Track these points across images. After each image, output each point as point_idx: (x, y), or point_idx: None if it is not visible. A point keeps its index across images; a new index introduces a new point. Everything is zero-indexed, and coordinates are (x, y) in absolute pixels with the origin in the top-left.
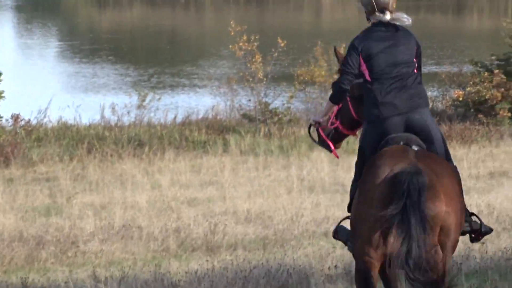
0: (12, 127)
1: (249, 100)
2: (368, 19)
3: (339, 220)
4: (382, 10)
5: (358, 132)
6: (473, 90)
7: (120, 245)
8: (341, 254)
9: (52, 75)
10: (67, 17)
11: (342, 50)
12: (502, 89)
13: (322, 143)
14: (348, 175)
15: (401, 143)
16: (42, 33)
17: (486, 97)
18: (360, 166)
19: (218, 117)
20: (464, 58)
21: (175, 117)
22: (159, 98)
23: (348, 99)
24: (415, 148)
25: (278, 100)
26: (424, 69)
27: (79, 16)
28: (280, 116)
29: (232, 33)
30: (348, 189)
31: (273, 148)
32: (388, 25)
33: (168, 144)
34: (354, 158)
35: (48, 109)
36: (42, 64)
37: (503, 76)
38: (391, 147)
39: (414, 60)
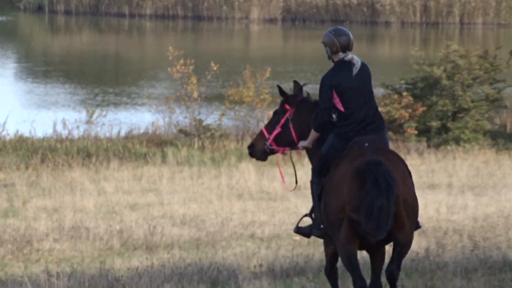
0: None
1: (185, 117)
2: (329, 57)
3: (299, 219)
4: (344, 50)
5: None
6: (384, 110)
7: (70, 244)
8: (265, 254)
9: (9, 93)
10: (23, 42)
11: (268, 74)
12: (410, 110)
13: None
14: (272, 184)
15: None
16: (8, 56)
17: (396, 116)
18: (320, 169)
19: (158, 132)
20: (376, 82)
21: (119, 132)
22: (105, 115)
23: (291, 127)
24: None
25: (210, 117)
26: None
27: (33, 41)
28: (212, 131)
29: (170, 57)
30: (272, 196)
31: (206, 160)
32: (349, 62)
33: (113, 155)
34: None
35: (6, 123)
36: (6, 81)
37: (410, 98)
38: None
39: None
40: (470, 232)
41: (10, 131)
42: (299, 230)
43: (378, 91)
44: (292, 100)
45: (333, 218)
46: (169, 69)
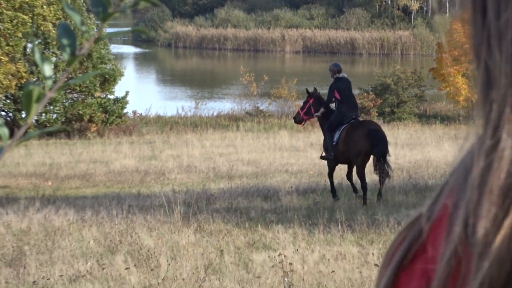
0: (132, 116)
1: (249, 105)
2: (332, 76)
3: (321, 154)
4: (340, 72)
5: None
6: (359, 102)
7: (186, 175)
8: (294, 181)
9: (152, 91)
10: (159, 63)
11: (295, 81)
12: (373, 102)
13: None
14: (297, 142)
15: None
16: (151, 71)
17: (365, 105)
18: (330, 128)
19: (234, 113)
20: (354, 87)
21: (212, 113)
22: (205, 103)
23: (312, 108)
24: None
25: (263, 105)
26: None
27: (164, 63)
28: (264, 113)
29: (241, 72)
30: (298, 149)
31: (260, 129)
32: (342, 78)
33: (209, 126)
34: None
35: (150, 108)
36: (150, 85)
37: (373, 95)
38: (358, 120)
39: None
40: (407, 169)
41: (152, 112)
42: (322, 157)
43: (356, 91)
44: (312, 95)
45: (355, 154)
46: (241, 78)
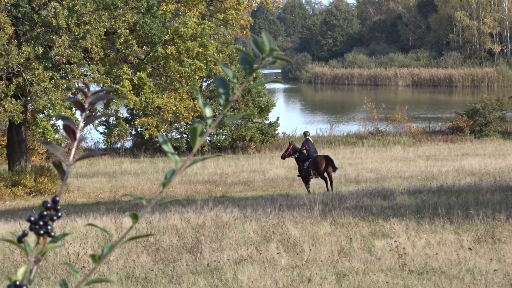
0: (282, 136)
1: (371, 126)
2: (304, 137)
3: (297, 174)
4: (308, 135)
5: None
6: (455, 123)
7: (323, 181)
8: (406, 184)
9: (296, 116)
10: (302, 95)
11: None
12: (466, 122)
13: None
14: (409, 154)
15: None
16: (296, 101)
17: (460, 125)
18: (303, 164)
19: (360, 133)
20: (452, 111)
21: (343, 133)
22: (337, 126)
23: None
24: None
25: (382, 126)
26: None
27: (306, 95)
28: (382, 133)
29: (365, 101)
30: (408, 159)
31: (379, 144)
32: (309, 139)
33: (341, 142)
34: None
35: (296, 129)
36: (295, 112)
37: (466, 117)
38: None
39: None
40: (493, 174)
41: (297, 133)
42: (298, 175)
43: (452, 115)
44: (291, 143)
45: (318, 169)
46: (364, 106)
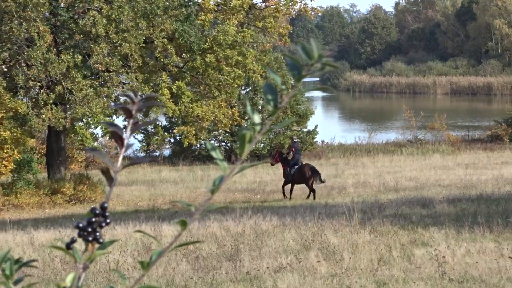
0: (321, 144)
1: (410, 134)
2: (291, 140)
3: (283, 183)
4: (293, 139)
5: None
6: (494, 131)
7: (362, 189)
8: (445, 192)
9: (335, 124)
10: (340, 103)
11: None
12: (505, 131)
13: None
14: (448, 162)
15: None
16: (334, 110)
17: (499, 133)
18: (290, 169)
19: (398, 141)
20: (491, 119)
21: (381, 141)
22: (376, 134)
23: (278, 157)
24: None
25: (420, 134)
26: (479, 123)
27: (345, 102)
28: (421, 141)
29: (404, 109)
30: (447, 167)
31: (418, 152)
32: (296, 141)
33: (380, 151)
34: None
35: (334, 138)
36: (334, 120)
37: (506, 125)
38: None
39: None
40: None
41: (336, 141)
42: (284, 184)
43: (491, 123)
44: (277, 150)
45: (304, 179)
46: (403, 114)
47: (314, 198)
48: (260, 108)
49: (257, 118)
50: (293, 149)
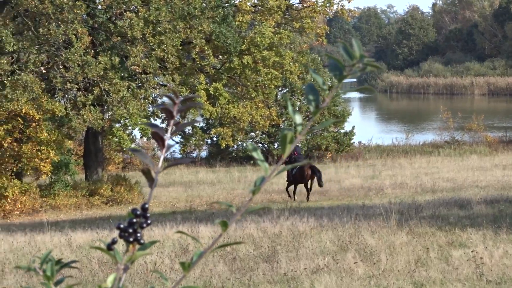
0: (358, 145)
1: (447, 135)
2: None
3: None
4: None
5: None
6: None
7: (398, 190)
8: (482, 193)
9: (372, 125)
10: (377, 104)
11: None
12: None
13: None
14: (485, 163)
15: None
16: (371, 111)
17: None
18: (290, 170)
19: (435, 142)
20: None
21: (419, 142)
22: (413, 135)
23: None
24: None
25: (458, 135)
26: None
27: (382, 103)
28: (459, 142)
29: (441, 110)
30: (484, 170)
31: (455, 153)
32: (297, 145)
33: (417, 152)
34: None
35: (372, 139)
36: (371, 121)
37: None
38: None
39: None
40: None
41: (373, 142)
42: (287, 183)
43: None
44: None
45: (303, 178)
46: (440, 115)
47: (308, 199)
48: (297, 109)
49: (298, 119)
50: (296, 153)
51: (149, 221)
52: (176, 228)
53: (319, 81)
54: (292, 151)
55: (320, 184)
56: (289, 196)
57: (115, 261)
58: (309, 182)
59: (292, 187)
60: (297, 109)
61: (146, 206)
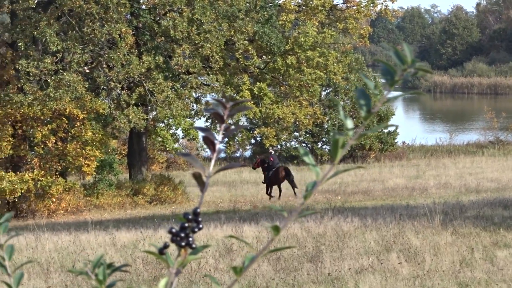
0: (402, 145)
1: (491, 135)
2: (270, 151)
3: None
4: (270, 149)
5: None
6: None
7: (443, 190)
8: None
9: (416, 126)
10: (421, 103)
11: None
12: None
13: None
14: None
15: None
16: (415, 110)
17: None
18: (268, 174)
19: (480, 142)
20: None
21: (463, 142)
22: (457, 135)
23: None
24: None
25: (502, 135)
26: None
27: (425, 103)
28: (503, 142)
29: (485, 110)
30: None
31: (501, 154)
32: (273, 154)
33: (461, 152)
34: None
35: (416, 139)
36: (415, 121)
37: None
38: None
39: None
40: None
41: (417, 142)
42: (264, 182)
43: None
44: (260, 158)
45: (277, 179)
46: (484, 115)
47: (279, 197)
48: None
49: (350, 124)
50: (271, 159)
51: (200, 226)
52: (220, 228)
53: (370, 85)
54: (268, 157)
55: (292, 183)
56: (270, 196)
57: (167, 265)
58: (281, 180)
59: (269, 188)
60: (341, 108)
61: (198, 210)
